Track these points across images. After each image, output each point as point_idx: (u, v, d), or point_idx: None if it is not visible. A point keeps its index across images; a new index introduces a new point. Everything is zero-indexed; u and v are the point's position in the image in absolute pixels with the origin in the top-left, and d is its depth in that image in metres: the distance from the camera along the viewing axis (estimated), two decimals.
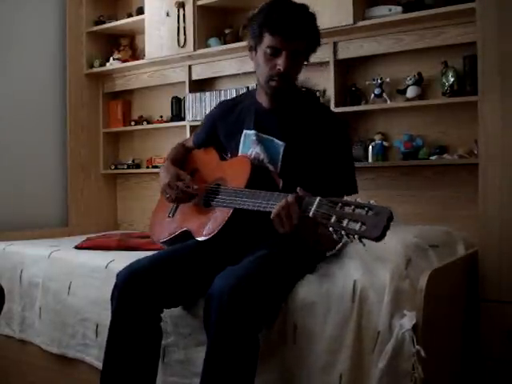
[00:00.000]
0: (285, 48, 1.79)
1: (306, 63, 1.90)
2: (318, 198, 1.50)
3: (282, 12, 1.80)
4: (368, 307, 1.63)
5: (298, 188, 1.59)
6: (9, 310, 2.54)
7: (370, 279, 1.67)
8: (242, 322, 1.58)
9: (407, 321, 1.53)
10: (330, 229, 1.43)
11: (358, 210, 1.39)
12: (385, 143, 2.74)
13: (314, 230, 1.58)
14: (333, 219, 1.42)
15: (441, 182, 2.60)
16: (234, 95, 2.86)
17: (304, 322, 1.71)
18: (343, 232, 1.40)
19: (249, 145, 1.95)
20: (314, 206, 1.50)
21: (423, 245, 1.82)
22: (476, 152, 2.35)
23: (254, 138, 1.93)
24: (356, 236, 1.38)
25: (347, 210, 1.41)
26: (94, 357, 2.18)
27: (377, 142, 2.74)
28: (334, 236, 1.42)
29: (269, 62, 1.82)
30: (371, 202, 1.40)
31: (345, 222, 1.40)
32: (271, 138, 1.91)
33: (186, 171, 2.04)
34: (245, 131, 1.97)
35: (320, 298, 1.70)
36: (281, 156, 1.88)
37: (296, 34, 1.79)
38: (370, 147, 2.72)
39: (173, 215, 2.04)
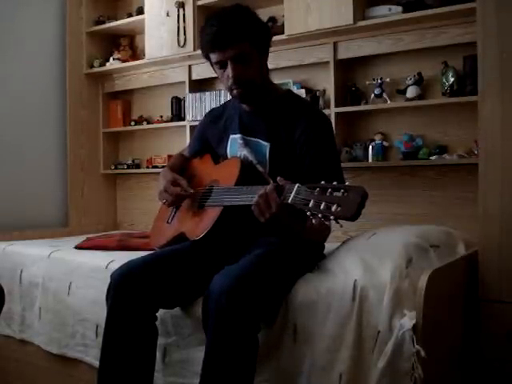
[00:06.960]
0: (226, 58, 1.83)
1: (263, 57, 1.90)
2: (296, 185, 1.53)
3: (211, 27, 1.83)
4: (368, 307, 1.63)
5: (278, 177, 1.61)
6: (9, 310, 2.54)
7: (370, 279, 1.67)
8: (240, 323, 1.58)
9: (407, 321, 1.52)
10: (308, 213, 1.45)
11: (335, 193, 1.42)
12: (385, 143, 2.75)
13: (297, 216, 1.58)
14: (311, 204, 1.45)
15: (441, 182, 2.61)
16: None
17: (304, 321, 1.71)
18: (320, 215, 1.42)
19: (236, 148, 1.97)
20: (293, 192, 1.52)
21: (424, 245, 1.81)
22: (476, 152, 2.35)
23: (241, 141, 1.96)
24: (332, 217, 1.40)
25: (325, 193, 1.44)
26: (94, 357, 2.17)
27: (377, 142, 2.74)
28: (313, 221, 1.44)
29: (222, 75, 1.88)
30: (347, 183, 1.44)
31: (322, 206, 1.42)
32: (256, 139, 1.93)
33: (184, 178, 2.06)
34: (231, 136, 2.00)
35: (320, 297, 1.70)
36: (267, 156, 1.90)
37: (229, 42, 1.81)
38: (370, 147, 2.72)
39: (171, 221, 2.06)
